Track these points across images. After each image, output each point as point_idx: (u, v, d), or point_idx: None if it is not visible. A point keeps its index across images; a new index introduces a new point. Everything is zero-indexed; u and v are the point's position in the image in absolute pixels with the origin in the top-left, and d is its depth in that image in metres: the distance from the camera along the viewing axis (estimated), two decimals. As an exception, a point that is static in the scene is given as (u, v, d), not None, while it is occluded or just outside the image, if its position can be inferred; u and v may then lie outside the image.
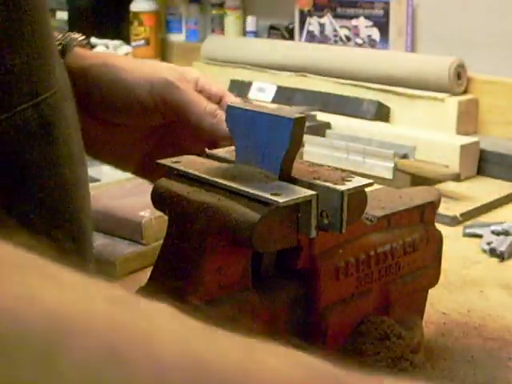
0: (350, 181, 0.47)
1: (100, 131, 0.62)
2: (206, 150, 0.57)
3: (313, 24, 1.62)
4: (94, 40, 1.67)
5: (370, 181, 0.48)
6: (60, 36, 0.61)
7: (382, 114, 1.32)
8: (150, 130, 0.63)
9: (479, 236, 0.89)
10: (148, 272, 0.49)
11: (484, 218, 0.97)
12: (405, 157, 1.11)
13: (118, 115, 0.61)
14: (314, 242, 0.51)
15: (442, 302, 0.72)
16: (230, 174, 0.49)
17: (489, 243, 0.86)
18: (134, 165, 0.66)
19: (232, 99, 0.61)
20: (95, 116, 0.61)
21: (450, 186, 1.04)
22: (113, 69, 0.60)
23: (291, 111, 0.51)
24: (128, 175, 0.71)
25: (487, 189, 1.07)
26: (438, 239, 0.62)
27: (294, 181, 0.48)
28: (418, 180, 1.06)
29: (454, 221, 0.95)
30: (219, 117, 0.59)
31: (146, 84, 0.59)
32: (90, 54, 0.62)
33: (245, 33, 1.83)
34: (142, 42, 1.94)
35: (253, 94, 1.56)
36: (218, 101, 0.61)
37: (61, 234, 0.53)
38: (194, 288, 0.46)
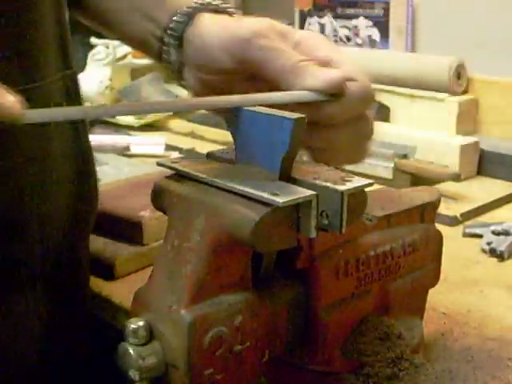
0: (350, 181, 0.47)
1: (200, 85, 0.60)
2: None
3: (313, 24, 1.62)
4: (93, 40, 1.67)
5: (370, 181, 0.48)
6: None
7: (382, 114, 1.32)
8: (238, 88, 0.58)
9: (479, 236, 0.89)
10: (148, 272, 0.49)
11: (484, 218, 0.97)
12: (405, 157, 1.11)
13: (205, 75, 0.59)
14: (314, 241, 0.51)
15: (442, 302, 0.72)
16: (230, 174, 0.49)
17: (489, 243, 0.86)
18: None
19: (345, 68, 0.52)
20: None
21: (449, 186, 1.04)
22: (199, 34, 0.58)
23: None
24: (127, 175, 0.71)
25: (487, 189, 1.07)
26: (438, 239, 0.62)
27: (294, 181, 0.48)
28: (417, 180, 1.06)
29: (453, 221, 0.94)
30: (301, 70, 0.52)
31: (222, 45, 0.56)
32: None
33: (245, 33, 1.83)
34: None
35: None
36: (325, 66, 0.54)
37: None
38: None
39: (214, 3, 0.61)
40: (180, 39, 0.60)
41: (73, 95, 0.66)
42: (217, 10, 0.61)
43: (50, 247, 0.63)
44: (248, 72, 0.56)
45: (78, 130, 0.68)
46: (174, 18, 0.60)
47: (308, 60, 0.53)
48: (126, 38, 0.68)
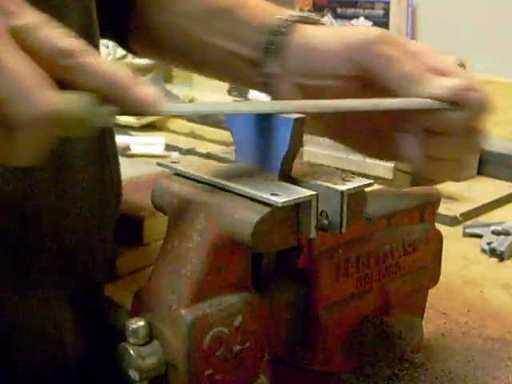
0: (350, 181, 0.47)
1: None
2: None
3: (313, 24, 1.62)
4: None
5: (370, 181, 0.48)
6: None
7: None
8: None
9: (479, 236, 0.89)
10: (148, 272, 0.49)
11: (484, 218, 0.97)
12: (405, 157, 1.10)
13: (311, 81, 0.58)
14: (313, 242, 0.51)
15: (442, 302, 0.72)
16: (230, 174, 0.49)
17: (489, 243, 0.86)
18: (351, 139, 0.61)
19: (465, 79, 0.53)
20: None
21: (449, 186, 1.04)
22: (306, 40, 0.59)
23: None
24: (127, 175, 0.70)
25: (487, 189, 1.07)
26: (438, 239, 0.62)
27: (294, 181, 0.48)
28: (418, 180, 1.06)
29: (453, 221, 0.94)
30: (421, 77, 0.52)
31: (339, 51, 0.56)
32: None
33: (245, 33, 1.83)
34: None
35: (253, 93, 1.55)
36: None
37: None
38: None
39: (304, 15, 0.62)
40: (277, 52, 0.60)
41: None
42: (313, 22, 0.62)
43: (66, 248, 0.62)
44: (363, 80, 0.55)
45: (104, 132, 0.67)
46: (270, 32, 0.60)
47: (426, 69, 0.53)
48: (197, 64, 0.69)
